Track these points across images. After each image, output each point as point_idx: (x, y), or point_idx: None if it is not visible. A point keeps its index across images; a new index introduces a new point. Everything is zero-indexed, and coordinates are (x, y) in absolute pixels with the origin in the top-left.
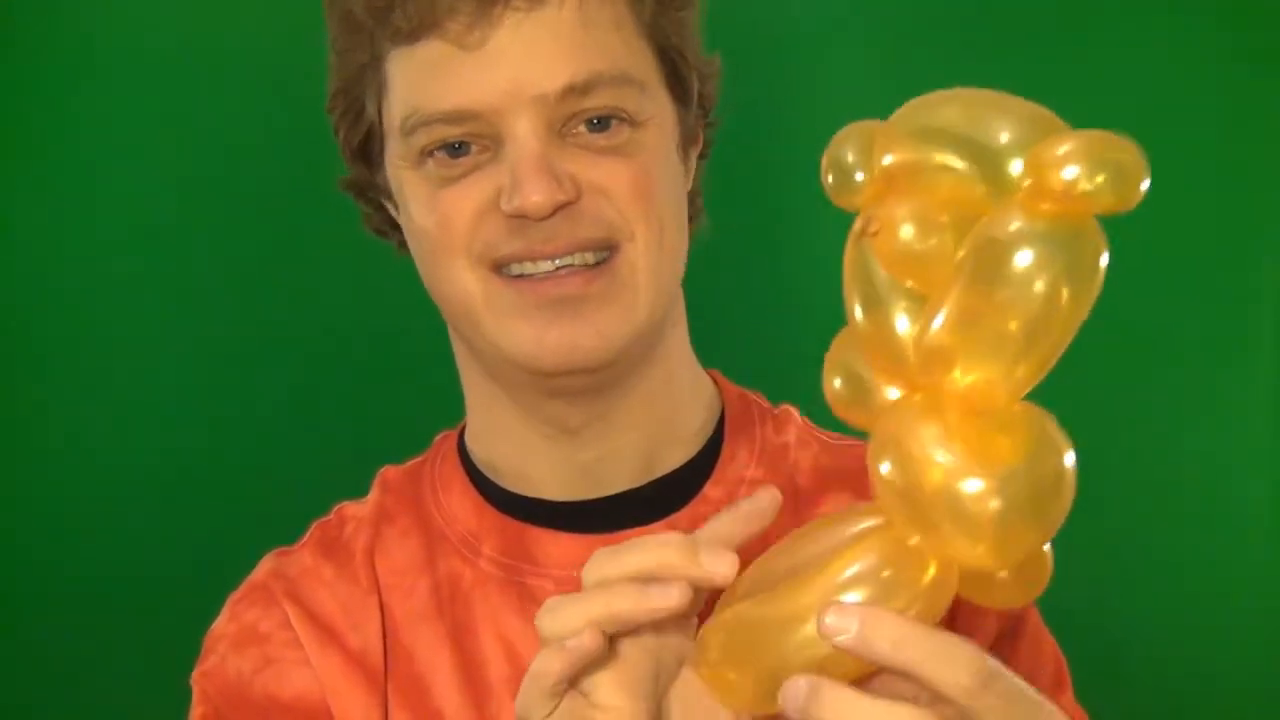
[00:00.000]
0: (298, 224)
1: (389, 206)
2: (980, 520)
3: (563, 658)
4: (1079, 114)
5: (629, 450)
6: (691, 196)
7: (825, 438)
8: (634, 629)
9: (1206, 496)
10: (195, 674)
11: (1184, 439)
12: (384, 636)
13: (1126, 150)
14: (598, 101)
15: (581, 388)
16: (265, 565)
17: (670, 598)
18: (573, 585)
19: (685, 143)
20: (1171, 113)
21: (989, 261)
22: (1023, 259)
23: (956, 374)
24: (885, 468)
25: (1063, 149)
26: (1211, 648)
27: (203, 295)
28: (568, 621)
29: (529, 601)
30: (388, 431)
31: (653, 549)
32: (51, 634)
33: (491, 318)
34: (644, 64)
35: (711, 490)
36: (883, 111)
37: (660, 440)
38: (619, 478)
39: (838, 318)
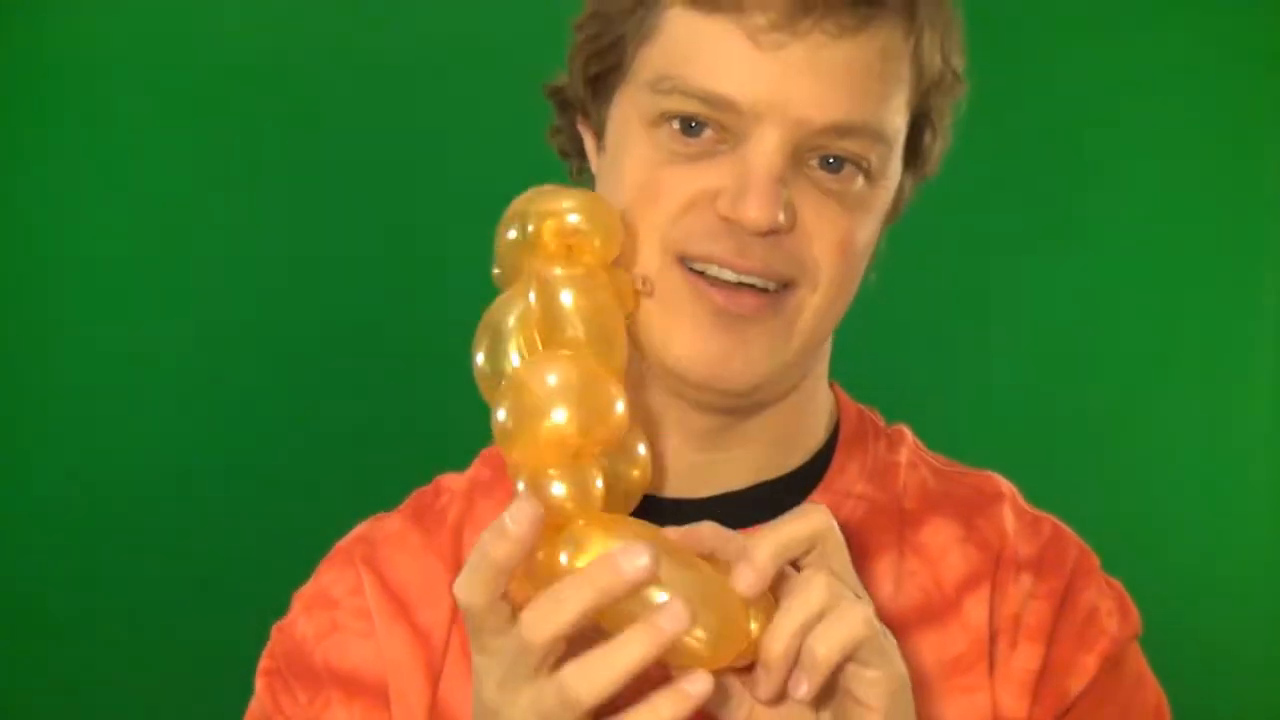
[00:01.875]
0: (299, 224)
1: (586, 135)
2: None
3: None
4: (1080, 114)
5: (746, 458)
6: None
7: (935, 462)
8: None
9: (1207, 496)
10: (276, 625)
11: (1184, 438)
12: (454, 617)
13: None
14: (847, 146)
15: (714, 403)
16: (357, 528)
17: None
18: None
19: (895, 208)
20: (1172, 113)
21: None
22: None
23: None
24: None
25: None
26: (1212, 647)
27: (202, 296)
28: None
29: None
30: (390, 432)
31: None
32: (51, 634)
33: (659, 308)
34: (899, 124)
35: (817, 498)
36: None
37: (780, 451)
38: (728, 480)
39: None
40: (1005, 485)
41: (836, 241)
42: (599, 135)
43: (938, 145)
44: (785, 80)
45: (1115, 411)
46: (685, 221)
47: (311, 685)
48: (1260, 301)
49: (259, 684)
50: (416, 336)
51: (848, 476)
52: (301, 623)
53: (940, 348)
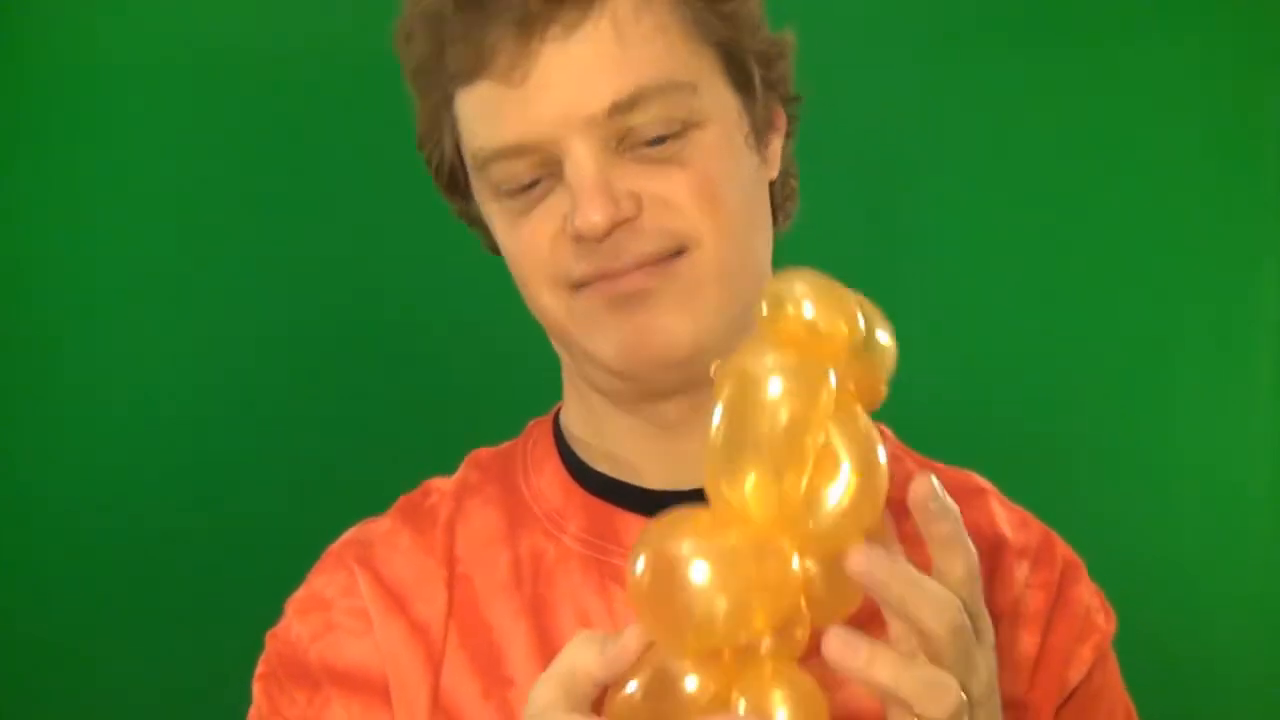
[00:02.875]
0: (298, 223)
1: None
2: None
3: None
4: (1080, 114)
5: None
6: (782, 179)
7: (917, 457)
8: None
9: (1207, 496)
10: (269, 632)
11: (1184, 439)
12: (451, 611)
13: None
14: (649, 114)
15: (673, 385)
16: (347, 533)
17: None
18: None
19: (758, 131)
20: (1172, 113)
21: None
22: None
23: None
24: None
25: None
26: (1212, 647)
27: (202, 296)
28: None
29: (611, 580)
30: (389, 430)
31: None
32: (52, 635)
33: (577, 330)
34: (694, 63)
35: None
36: (883, 113)
37: None
38: None
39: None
40: (985, 482)
41: (692, 193)
42: (485, 226)
43: (752, 60)
44: (548, 98)
45: (1114, 412)
46: (556, 257)
47: (309, 686)
48: (1260, 301)
49: (256, 690)
50: (421, 338)
51: None
52: (295, 626)
53: (939, 348)
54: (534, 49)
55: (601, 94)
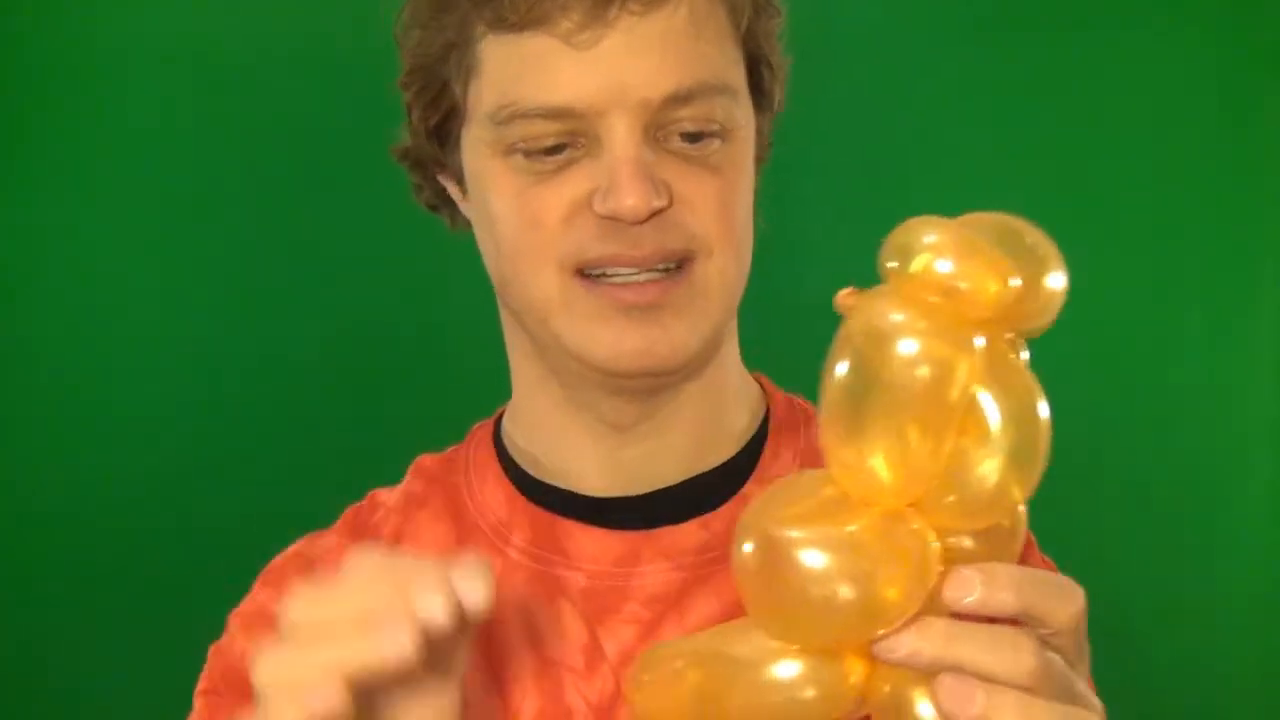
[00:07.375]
0: (294, 221)
1: (448, 185)
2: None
3: (298, 712)
4: (1079, 114)
5: (674, 449)
6: (756, 197)
7: None
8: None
9: (1206, 496)
10: (212, 645)
11: (1184, 433)
12: None
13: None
14: (696, 111)
15: (645, 388)
16: (292, 546)
17: (400, 645)
18: (604, 579)
19: (761, 150)
20: (1171, 113)
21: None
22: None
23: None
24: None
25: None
26: (1210, 647)
27: (198, 294)
28: (295, 671)
29: (557, 593)
30: (383, 429)
31: (369, 585)
32: (49, 633)
33: (567, 320)
34: (738, 73)
35: (751, 489)
36: (882, 111)
37: (705, 440)
38: (660, 475)
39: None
40: None
41: (716, 204)
42: (459, 181)
43: (777, 82)
44: (612, 70)
45: (1112, 411)
46: (570, 234)
47: (250, 702)
48: (1260, 301)
49: (197, 704)
50: (419, 340)
51: (781, 462)
52: (239, 640)
53: None
54: (610, 18)
55: (663, 82)
